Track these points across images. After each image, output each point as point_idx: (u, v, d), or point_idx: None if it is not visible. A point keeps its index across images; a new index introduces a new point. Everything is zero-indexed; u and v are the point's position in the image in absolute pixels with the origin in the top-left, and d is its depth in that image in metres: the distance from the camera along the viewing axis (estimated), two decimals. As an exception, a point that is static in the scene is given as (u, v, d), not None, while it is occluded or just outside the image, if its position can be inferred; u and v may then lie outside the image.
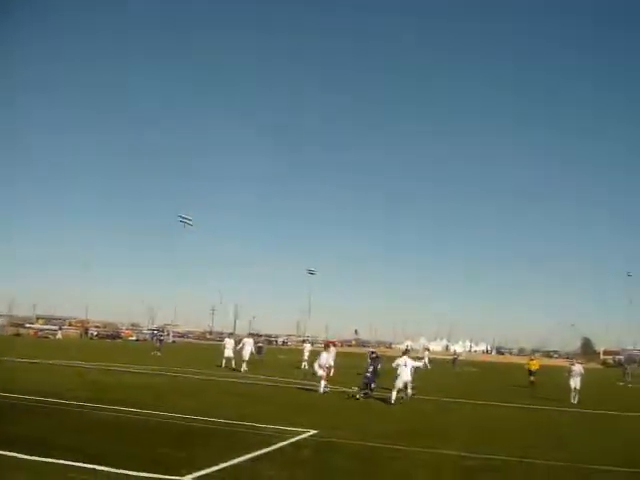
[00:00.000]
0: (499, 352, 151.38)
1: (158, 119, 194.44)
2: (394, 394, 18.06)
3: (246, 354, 28.09)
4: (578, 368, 22.62)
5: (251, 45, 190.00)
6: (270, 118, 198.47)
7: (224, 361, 29.47)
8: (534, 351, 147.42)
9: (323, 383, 19.73)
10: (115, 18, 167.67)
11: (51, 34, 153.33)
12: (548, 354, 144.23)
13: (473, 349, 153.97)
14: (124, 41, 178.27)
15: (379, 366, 20.47)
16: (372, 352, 22.69)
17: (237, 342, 30.36)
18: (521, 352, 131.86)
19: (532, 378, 29.31)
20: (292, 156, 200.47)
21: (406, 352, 19.90)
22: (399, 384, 18.22)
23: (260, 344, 42.36)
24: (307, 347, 33.39)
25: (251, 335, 34.51)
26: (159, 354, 41.32)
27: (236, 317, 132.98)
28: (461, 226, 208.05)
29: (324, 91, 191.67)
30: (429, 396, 20.92)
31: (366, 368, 20.24)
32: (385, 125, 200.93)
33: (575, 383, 22.04)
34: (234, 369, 27.66)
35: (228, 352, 29.49)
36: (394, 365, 18.82)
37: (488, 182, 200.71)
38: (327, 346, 21.76)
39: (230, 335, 36.17)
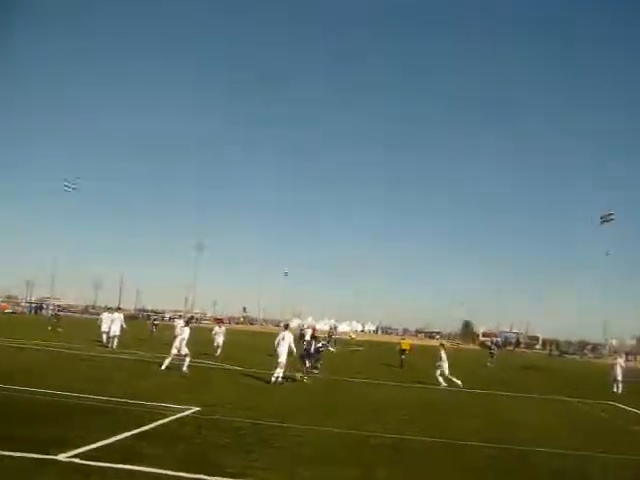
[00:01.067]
0: (385, 332, 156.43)
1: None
2: (276, 371, 17.92)
3: (116, 329, 26.91)
4: (443, 355, 21.66)
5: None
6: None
7: (104, 337, 28.49)
8: (418, 332, 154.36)
9: (169, 360, 18.70)
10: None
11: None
12: (431, 335, 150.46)
13: (360, 329, 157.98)
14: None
15: (319, 344, 20.80)
16: (313, 330, 22.77)
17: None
18: (405, 332, 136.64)
19: (403, 357, 30.47)
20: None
21: (286, 327, 19.35)
22: (279, 361, 17.99)
23: (156, 321, 41.36)
24: (180, 323, 32.21)
25: (110, 309, 32.70)
26: (59, 329, 39.17)
27: (121, 292, 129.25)
28: (348, 207, 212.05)
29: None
30: (316, 375, 21.29)
31: (306, 346, 20.44)
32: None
33: (442, 368, 21.41)
34: (107, 346, 26.50)
35: (105, 327, 28.44)
36: (276, 341, 18.44)
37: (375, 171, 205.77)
38: (188, 322, 21.00)
39: (108, 310, 34.52)
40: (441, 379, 21.31)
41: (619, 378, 24.57)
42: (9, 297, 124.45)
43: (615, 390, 24.33)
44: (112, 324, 27.18)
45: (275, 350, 18.35)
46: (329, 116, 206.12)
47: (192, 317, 26.24)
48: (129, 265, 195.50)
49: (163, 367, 18.50)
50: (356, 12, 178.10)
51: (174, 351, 18.90)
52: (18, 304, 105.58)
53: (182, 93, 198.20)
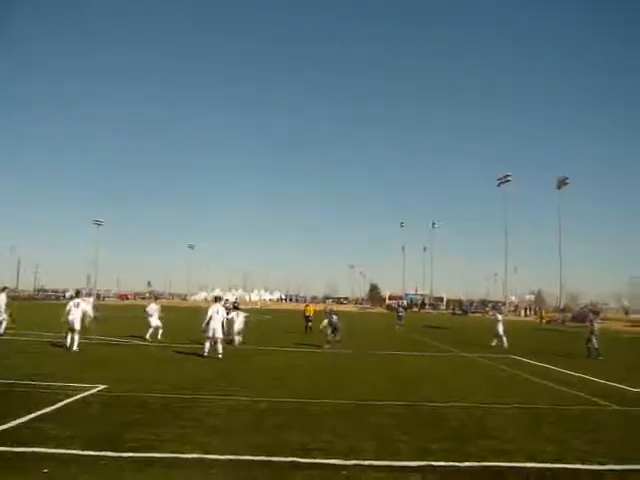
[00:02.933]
0: (292, 300, 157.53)
1: None
2: (207, 345, 17.79)
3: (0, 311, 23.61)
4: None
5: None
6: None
7: None
8: (326, 298, 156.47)
9: (77, 337, 18.26)
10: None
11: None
12: (339, 300, 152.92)
13: (269, 298, 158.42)
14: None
15: (334, 318, 23.17)
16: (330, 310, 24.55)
17: None
18: (313, 300, 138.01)
19: (308, 323, 31.48)
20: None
21: (218, 300, 18.90)
22: (209, 333, 17.72)
23: (95, 302, 39.04)
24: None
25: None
26: None
27: (18, 270, 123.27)
28: (250, 176, 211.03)
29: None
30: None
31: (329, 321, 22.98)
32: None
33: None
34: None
35: None
36: (208, 314, 17.90)
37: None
38: (77, 294, 20.41)
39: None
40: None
41: (500, 333, 25.83)
42: None
43: (492, 344, 25.50)
44: None
45: (207, 324, 17.80)
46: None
47: (78, 291, 24.70)
48: (24, 243, 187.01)
49: (75, 347, 18.05)
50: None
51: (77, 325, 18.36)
52: None
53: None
